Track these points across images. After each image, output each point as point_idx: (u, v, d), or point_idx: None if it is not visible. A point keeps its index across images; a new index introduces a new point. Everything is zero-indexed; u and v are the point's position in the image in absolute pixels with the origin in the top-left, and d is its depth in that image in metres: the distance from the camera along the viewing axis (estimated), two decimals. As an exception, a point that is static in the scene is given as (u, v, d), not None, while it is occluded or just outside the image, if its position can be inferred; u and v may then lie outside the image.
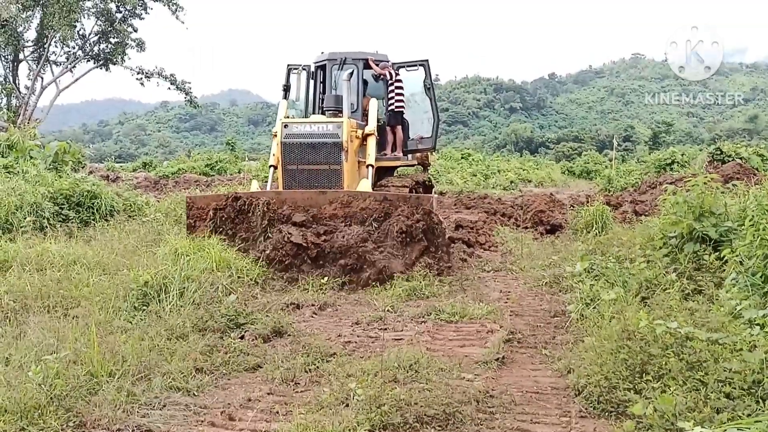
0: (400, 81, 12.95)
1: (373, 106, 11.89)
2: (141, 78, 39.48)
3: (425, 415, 4.30)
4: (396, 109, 12.86)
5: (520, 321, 7.06)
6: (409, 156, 13.74)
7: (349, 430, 3.96)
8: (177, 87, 40.52)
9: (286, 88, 13.11)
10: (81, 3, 35.55)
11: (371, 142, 11.23)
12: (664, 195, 8.10)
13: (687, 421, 3.35)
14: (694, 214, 7.22)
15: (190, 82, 40.76)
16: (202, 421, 4.38)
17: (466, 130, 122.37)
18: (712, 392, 3.87)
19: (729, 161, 20.78)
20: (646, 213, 13.63)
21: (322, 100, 12.42)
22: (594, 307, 6.39)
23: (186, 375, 5.08)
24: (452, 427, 4.25)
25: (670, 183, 15.60)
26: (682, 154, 26.71)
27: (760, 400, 3.77)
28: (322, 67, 13.27)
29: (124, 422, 4.22)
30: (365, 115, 12.05)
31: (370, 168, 10.89)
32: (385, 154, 12.91)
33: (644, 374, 4.39)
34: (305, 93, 13.26)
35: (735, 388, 3.87)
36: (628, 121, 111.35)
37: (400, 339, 6.28)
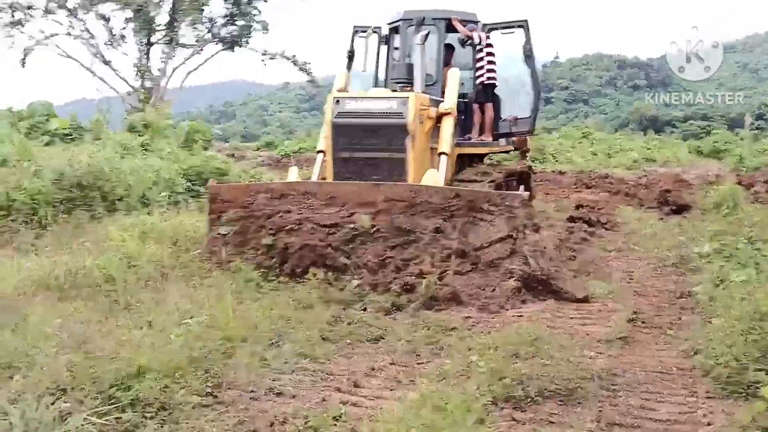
0: (491, 46, 10.50)
1: (454, 77, 9.49)
2: (264, 59, 40.42)
3: (547, 389, 4.32)
4: (487, 82, 10.46)
5: (644, 301, 6.93)
6: (502, 140, 11.10)
7: (472, 399, 4.02)
8: (299, 68, 41.28)
9: (350, 55, 11.05)
10: (210, -13, 36.76)
11: (447, 124, 8.99)
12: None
13: (823, 403, 3.24)
14: (836, 194, 6.86)
15: (310, 63, 41.44)
16: (329, 387, 4.56)
17: (587, 109, 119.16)
18: None
19: None
20: (780, 194, 13.00)
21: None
22: (723, 289, 6.20)
23: (313, 343, 5.28)
24: (574, 403, 4.26)
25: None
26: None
27: None
28: (396, 30, 10.81)
29: (257, 385, 4.45)
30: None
31: (443, 156, 8.72)
32: (470, 138, 10.68)
33: (776, 356, 4.26)
34: (375, 61, 11.14)
35: None
36: (762, 99, 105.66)
37: (521, 316, 6.27)
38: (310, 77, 42.04)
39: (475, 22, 10.67)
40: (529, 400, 4.23)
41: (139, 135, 14.96)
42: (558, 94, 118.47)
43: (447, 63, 10.60)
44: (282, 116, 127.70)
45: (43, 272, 6.49)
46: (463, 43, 10.71)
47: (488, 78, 10.46)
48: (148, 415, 3.76)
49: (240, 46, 39.78)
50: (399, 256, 7.03)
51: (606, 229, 11.52)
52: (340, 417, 3.96)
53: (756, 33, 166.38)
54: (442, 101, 9.23)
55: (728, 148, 35.97)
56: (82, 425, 3.46)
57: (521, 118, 11.06)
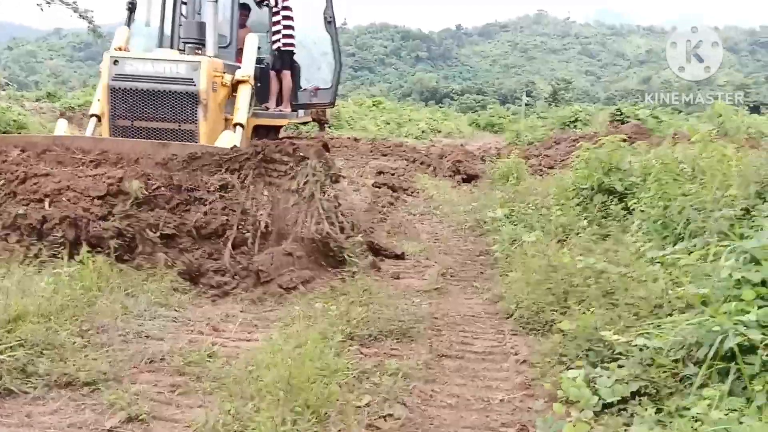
0: (289, 9, 9.71)
1: (252, 41, 8.66)
2: (41, 4, 37.70)
3: (385, 330, 5.06)
4: (284, 48, 9.67)
5: (450, 258, 7.89)
6: (300, 111, 10.55)
7: (330, 337, 4.65)
8: (79, 15, 38.90)
9: (131, 8, 9.10)
10: None
11: (244, 93, 8.14)
12: (579, 151, 9.03)
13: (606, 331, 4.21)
14: (604, 169, 8.18)
15: (92, 11, 39.18)
16: (192, 331, 5.01)
17: (372, 77, 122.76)
18: (624, 312, 4.76)
19: (628, 122, 22.16)
20: (552, 166, 14.72)
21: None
22: (516, 247, 7.26)
23: (166, 293, 5.64)
24: (409, 340, 5.03)
25: (574, 140, 16.85)
26: (583, 112, 28.21)
27: (661, 320, 4.68)
28: None
29: (124, 329, 4.78)
30: (241, 52, 8.73)
31: (239, 128, 7.81)
32: (267, 109, 9.71)
33: (567, 300, 5.26)
34: (161, 16, 9.53)
35: (641, 310, 4.77)
36: (529, 77, 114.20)
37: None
38: (92, 26, 39.83)
39: None
40: (372, 338, 4.95)
41: None
42: (345, 60, 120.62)
43: (242, 24, 9.81)
44: (52, 64, 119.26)
45: None
46: (259, 3, 10.09)
47: (285, 43, 9.69)
48: (38, 353, 4.03)
49: (10, -13, 36.84)
50: (184, 225, 6.14)
51: (407, 194, 12.52)
52: (213, 354, 4.45)
53: (526, 15, 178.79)
54: (238, 67, 8.37)
55: (501, 122, 39.12)
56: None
57: (322, 89, 10.43)
